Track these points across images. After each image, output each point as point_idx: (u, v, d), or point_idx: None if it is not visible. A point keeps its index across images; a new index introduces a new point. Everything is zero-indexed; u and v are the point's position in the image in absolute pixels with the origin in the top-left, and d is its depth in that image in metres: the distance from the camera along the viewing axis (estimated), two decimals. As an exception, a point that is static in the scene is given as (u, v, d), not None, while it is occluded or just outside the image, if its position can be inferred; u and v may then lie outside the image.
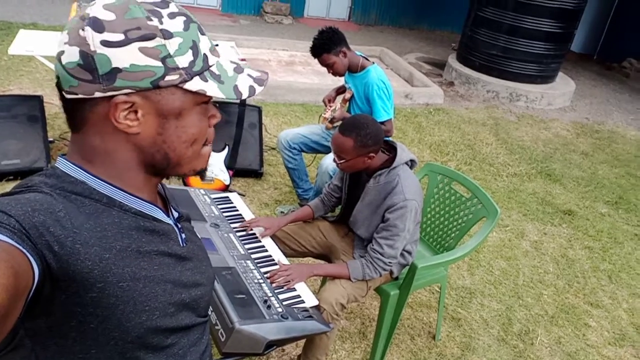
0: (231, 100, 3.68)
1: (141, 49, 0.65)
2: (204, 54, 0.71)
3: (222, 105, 3.52)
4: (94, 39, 0.64)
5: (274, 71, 5.91)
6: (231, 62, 0.76)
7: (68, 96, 0.67)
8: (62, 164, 0.71)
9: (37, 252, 0.58)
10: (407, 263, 2.10)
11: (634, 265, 3.33)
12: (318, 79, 5.78)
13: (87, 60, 0.64)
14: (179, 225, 0.83)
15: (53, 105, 3.87)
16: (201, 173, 0.79)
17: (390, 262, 1.96)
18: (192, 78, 0.69)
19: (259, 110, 3.63)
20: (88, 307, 0.64)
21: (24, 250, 0.56)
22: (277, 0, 8.45)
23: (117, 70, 0.64)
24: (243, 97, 0.73)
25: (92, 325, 0.66)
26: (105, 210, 0.69)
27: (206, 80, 0.71)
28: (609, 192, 4.31)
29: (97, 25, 0.64)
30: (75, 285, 0.62)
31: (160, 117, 0.70)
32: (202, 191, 2.14)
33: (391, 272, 2.10)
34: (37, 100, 3.15)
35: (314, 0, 8.82)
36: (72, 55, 0.65)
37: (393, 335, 2.18)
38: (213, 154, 3.14)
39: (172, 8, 0.69)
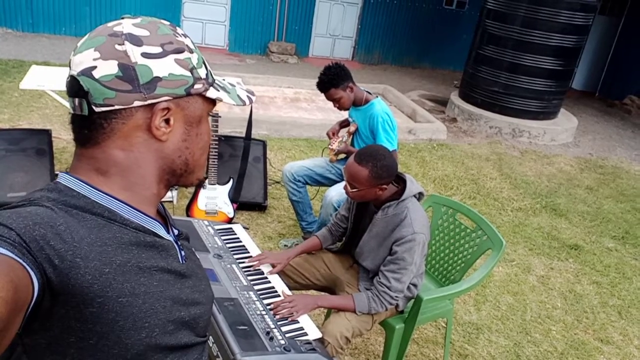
0: (237, 135, 3.73)
1: (176, 60, 0.73)
2: (209, 69, 0.79)
3: (227, 140, 3.56)
4: (134, 52, 0.69)
5: (279, 107, 6.01)
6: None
7: (100, 109, 0.70)
8: (65, 179, 0.73)
9: (37, 265, 0.58)
10: (412, 296, 2.07)
11: (644, 301, 3.27)
12: (322, 115, 5.86)
13: (128, 72, 0.69)
14: (179, 243, 0.84)
15: (61, 139, 3.93)
16: (202, 183, 0.85)
17: (397, 296, 1.93)
18: (210, 87, 0.78)
19: (264, 145, 3.67)
20: (87, 322, 0.64)
21: (24, 264, 0.56)
22: (282, 40, 8.68)
23: (157, 79, 0.70)
24: (246, 104, 0.82)
25: (91, 342, 0.65)
26: (106, 225, 0.70)
27: (218, 90, 0.79)
28: (615, 226, 4.27)
29: (135, 40, 0.70)
30: (74, 299, 0.62)
31: (186, 124, 0.77)
32: (205, 222, 2.14)
33: (397, 306, 2.06)
34: (46, 134, 3.20)
35: (319, 40, 9.05)
36: (108, 68, 0.69)
37: (398, 371, 2.13)
38: (217, 186, 3.16)
39: (180, 30, 0.77)
